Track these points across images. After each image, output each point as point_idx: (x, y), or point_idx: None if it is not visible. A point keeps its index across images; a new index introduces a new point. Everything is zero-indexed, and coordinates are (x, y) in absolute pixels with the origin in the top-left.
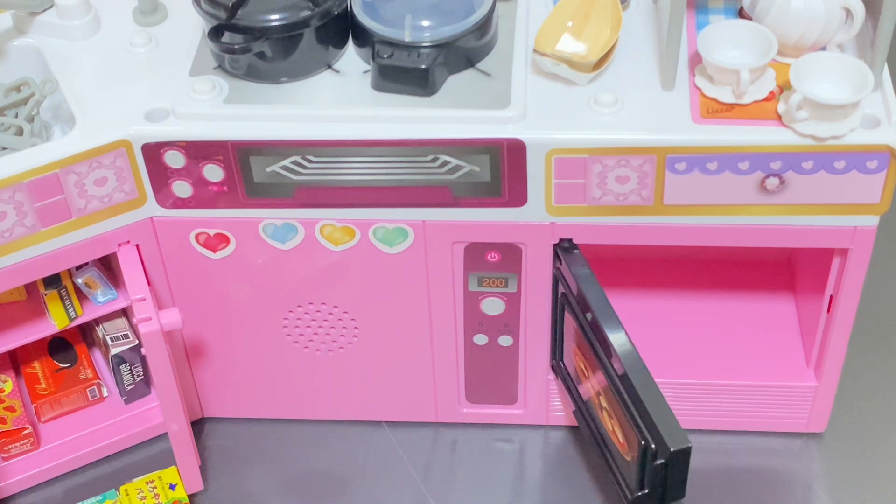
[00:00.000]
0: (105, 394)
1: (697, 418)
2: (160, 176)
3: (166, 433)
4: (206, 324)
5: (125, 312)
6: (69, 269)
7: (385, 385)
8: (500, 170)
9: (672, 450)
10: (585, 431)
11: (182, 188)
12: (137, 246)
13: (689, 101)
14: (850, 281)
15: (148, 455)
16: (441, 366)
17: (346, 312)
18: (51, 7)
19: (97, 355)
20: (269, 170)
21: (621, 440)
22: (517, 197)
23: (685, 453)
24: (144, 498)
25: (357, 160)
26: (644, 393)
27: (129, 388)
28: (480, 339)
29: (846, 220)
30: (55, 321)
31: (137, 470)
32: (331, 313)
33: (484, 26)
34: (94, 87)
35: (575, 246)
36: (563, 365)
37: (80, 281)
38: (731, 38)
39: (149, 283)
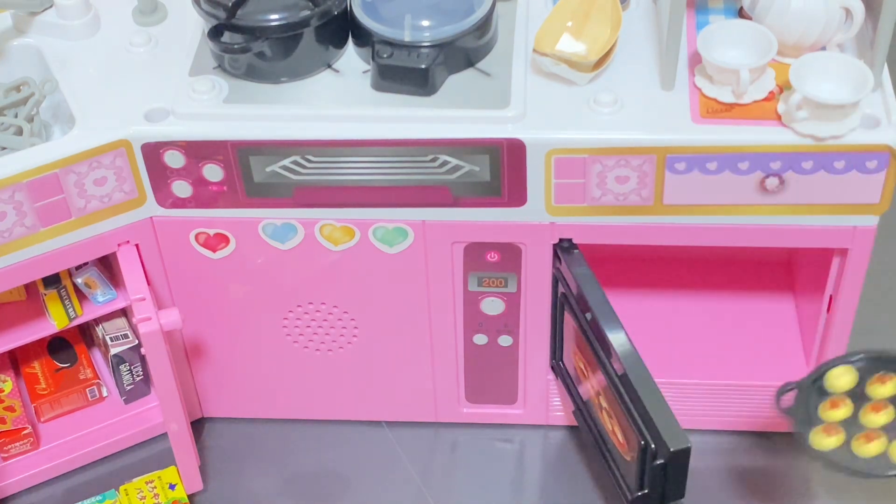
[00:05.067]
0: (105, 394)
1: (697, 418)
2: (160, 176)
3: (166, 433)
4: (206, 324)
5: (125, 312)
6: (69, 269)
7: (385, 385)
8: (500, 170)
9: (672, 450)
10: (585, 431)
11: (182, 188)
12: (137, 246)
13: (688, 101)
14: (849, 281)
15: (148, 455)
16: (441, 366)
17: (345, 312)
18: (51, 7)
19: (97, 355)
20: (268, 170)
21: (621, 440)
22: (517, 197)
23: (685, 453)
24: (144, 498)
25: (357, 160)
26: (644, 393)
27: (129, 388)
28: (480, 338)
29: (846, 219)
30: (55, 321)
31: (137, 470)
32: (330, 313)
33: (484, 26)
34: (94, 87)
35: (575, 246)
36: (563, 365)
37: (79, 281)
38: (730, 38)
39: (148, 283)
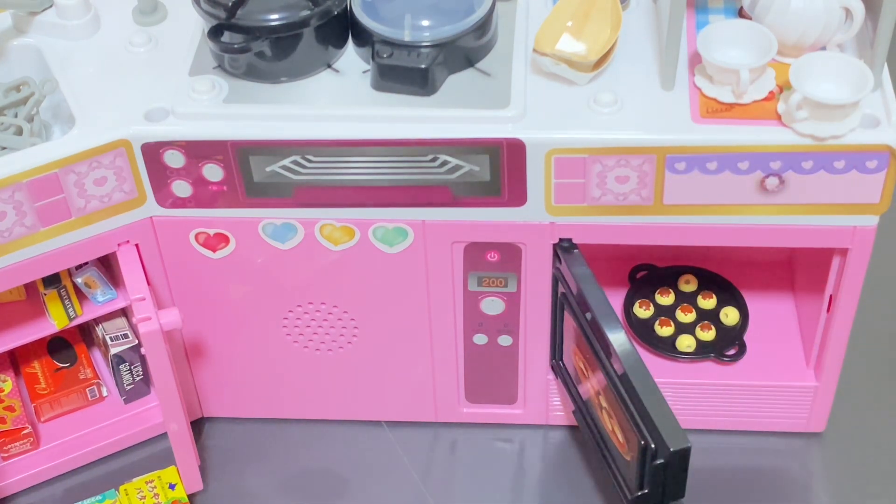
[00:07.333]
0: (105, 393)
1: (697, 418)
2: (160, 176)
3: (166, 433)
4: (206, 324)
5: (125, 312)
6: (69, 269)
7: (385, 385)
8: (500, 169)
9: (672, 450)
10: (585, 431)
11: (182, 188)
12: (137, 246)
13: (688, 101)
14: (849, 281)
15: (148, 455)
16: (441, 366)
17: (345, 312)
18: (51, 7)
19: (97, 355)
20: (268, 169)
21: (621, 440)
22: (517, 197)
23: (685, 453)
24: (144, 498)
25: (357, 160)
26: (644, 393)
27: (129, 387)
28: (480, 338)
29: (846, 219)
30: (55, 321)
31: (137, 470)
32: (330, 313)
33: (484, 26)
34: (94, 86)
35: (575, 246)
36: (563, 365)
37: (79, 280)
38: (730, 38)
39: (148, 283)
